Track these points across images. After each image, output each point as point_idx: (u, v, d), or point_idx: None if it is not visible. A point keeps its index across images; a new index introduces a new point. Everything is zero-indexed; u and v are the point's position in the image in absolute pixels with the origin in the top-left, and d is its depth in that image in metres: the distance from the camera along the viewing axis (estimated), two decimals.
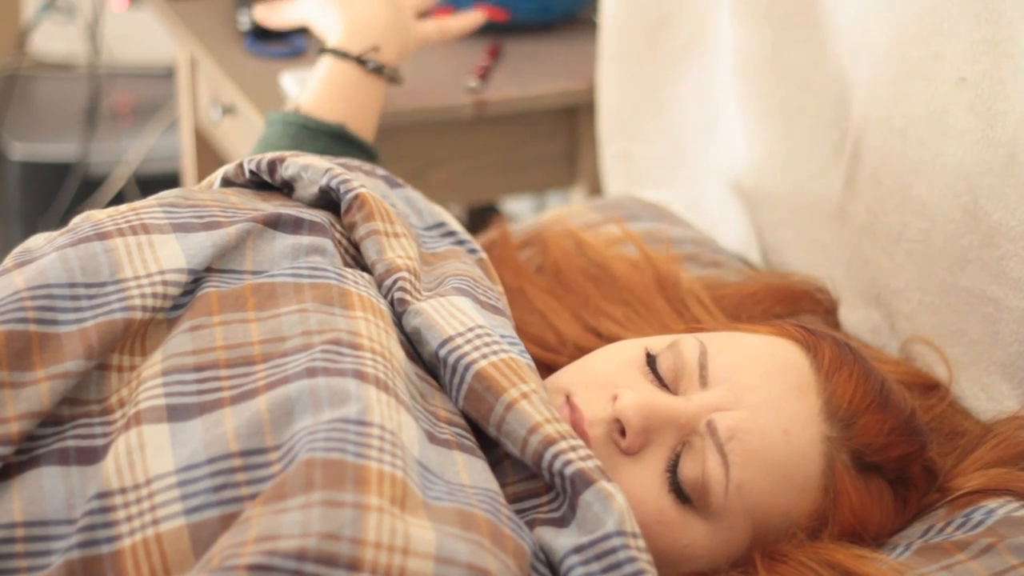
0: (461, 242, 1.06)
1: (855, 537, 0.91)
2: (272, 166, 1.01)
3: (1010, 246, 1.08)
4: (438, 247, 1.03)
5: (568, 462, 0.82)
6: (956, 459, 1.01)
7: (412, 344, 0.91)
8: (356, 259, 0.98)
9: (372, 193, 0.98)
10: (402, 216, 1.01)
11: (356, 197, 0.97)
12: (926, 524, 0.95)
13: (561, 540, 0.81)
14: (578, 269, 1.24)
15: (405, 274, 0.93)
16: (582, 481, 0.82)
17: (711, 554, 0.88)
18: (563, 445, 0.83)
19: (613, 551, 0.80)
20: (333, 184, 0.98)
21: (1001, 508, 0.94)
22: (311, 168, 0.99)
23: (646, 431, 0.88)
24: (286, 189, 1.02)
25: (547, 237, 1.28)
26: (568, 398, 0.90)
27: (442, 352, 0.88)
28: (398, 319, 0.91)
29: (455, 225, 1.07)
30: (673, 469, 0.88)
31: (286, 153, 1.02)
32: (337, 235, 0.96)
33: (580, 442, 0.84)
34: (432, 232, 1.05)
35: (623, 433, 0.88)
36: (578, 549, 0.80)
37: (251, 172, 1.02)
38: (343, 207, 0.97)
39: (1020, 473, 0.97)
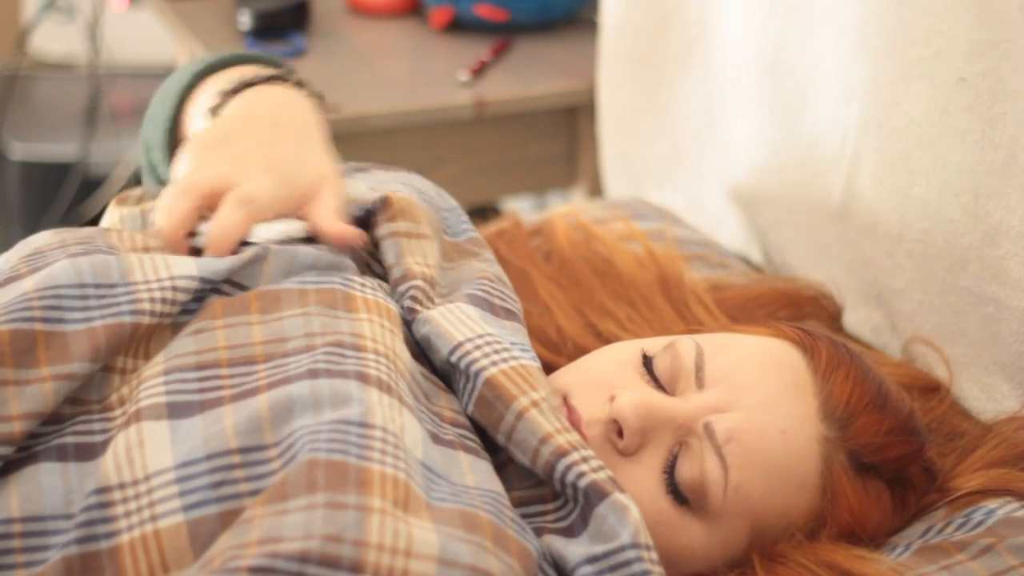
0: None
1: (853, 538, 0.91)
2: None
3: (1011, 246, 1.08)
4: (459, 236, 1.02)
5: (581, 474, 0.82)
6: (956, 459, 1.01)
7: (424, 352, 0.91)
8: (371, 267, 0.97)
9: (399, 193, 0.97)
10: (427, 200, 1.00)
11: (384, 200, 0.96)
12: (926, 524, 0.95)
13: (572, 549, 0.81)
14: (584, 261, 1.24)
15: (419, 283, 0.92)
16: (596, 494, 0.82)
17: (709, 555, 0.88)
18: (575, 456, 0.83)
19: (628, 563, 0.80)
20: (361, 212, 0.96)
21: (1001, 508, 0.94)
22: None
23: (643, 432, 0.88)
24: None
25: (556, 226, 1.28)
26: (565, 399, 0.90)
27: (454, 358, 0.87)
28: (408, 327, 0.91)
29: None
30: (670, 470, 0.88)
31: None
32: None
33: (591, 452, 0.84)
34: (451, 214, 1.04)
35: (620, 434, 0.88)
36: (592, 559, 0.80)
37: None
38: (376, 214, 0.97)
39: (1020, 474, 0.97)
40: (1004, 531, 0.92)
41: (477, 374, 0.86)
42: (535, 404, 0.85)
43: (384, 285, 0.93)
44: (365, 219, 0.98)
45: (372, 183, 1.02)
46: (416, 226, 0.96)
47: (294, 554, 0.70)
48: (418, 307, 0.91)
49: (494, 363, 0.87)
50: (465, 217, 1.05)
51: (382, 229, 0.96)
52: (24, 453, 0.80)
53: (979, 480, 0.97)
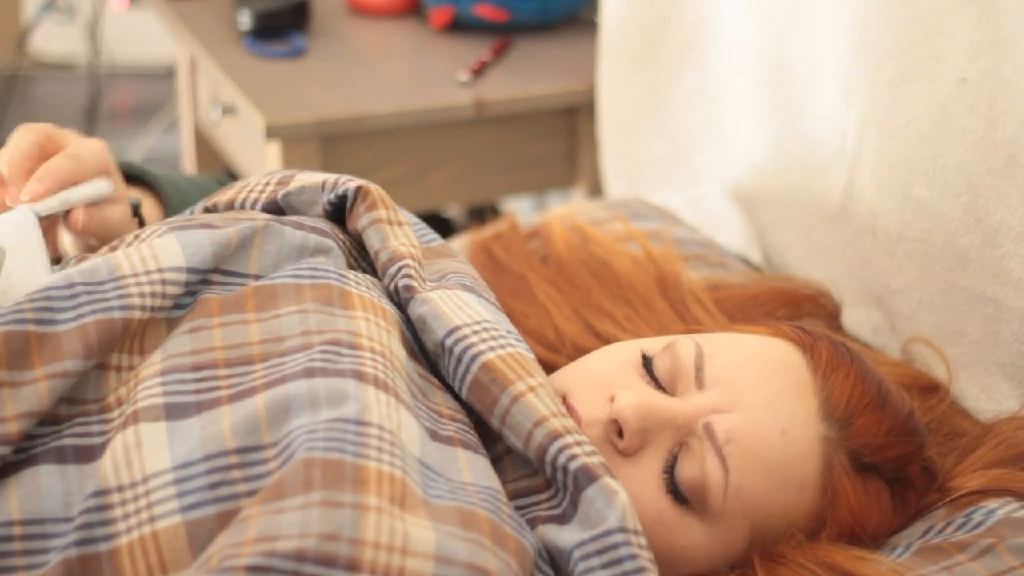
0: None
1: (853, 538, 0.91)
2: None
3: (1011, 246, 1.08)
4: (431, 243, 1.03)
5: (573, 456, 0.82)
6: (956, 459, 1.01)
7: (416, 333, 0.90)
8: (359, 261, 0.97)
9: (374, 185, 0.97)
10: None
11: (359, 189, 0.96)
12: (926, 524, 0.95)
13: (564, 536, 0.81)
14: (581, 263, 1.24)
15: (409, 261, 0.92)
16: (586, 477, 0.82)
17: (709, 555, 0.88)
18: (568, 440, 0.83)
19: (614, 547, 0.79)
20: (333, 198, 0.97)
21: (1001, 509, 0.94)
22: (307, 190, 0.98)
23: (643, 432, 0.88)
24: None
25: (553, 229, 1.28)
26: (565, 399, 0.90)
27: (448, 341, 0.87)
28: (403, 307, 0.91)
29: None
30: (670, 470, 0.88)
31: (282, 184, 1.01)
32: (340, 240, 0.96)
33: (584, 437, 0.84)
34: (416, 227, 1.05)
35: (620, 434, 0.88)
36: (579, 544, 0.80)
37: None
38: (348, 202, 0.97)
39: (1020, 474, 0.97)
40: (1004, 531, 0.92)
41: (473, 358, 0.86)
42: (532, 389, 0.85)
43: (377, 283, 0.93)
44: (340, 207, 0.98)
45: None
46: (395, 214, 0.96)
47: (290, 552, 0.70)
48: (415, 285, 0.91)
49: (491, 348, 0.87)
50: (430, 230, 1.05)
51: (363, 219, 0.95)
52: (23, 455, 0.80)
53: (979, 480, 0.97)
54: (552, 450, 0.83)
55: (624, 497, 0.81)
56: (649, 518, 0.85)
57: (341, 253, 0.94)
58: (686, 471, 0.87)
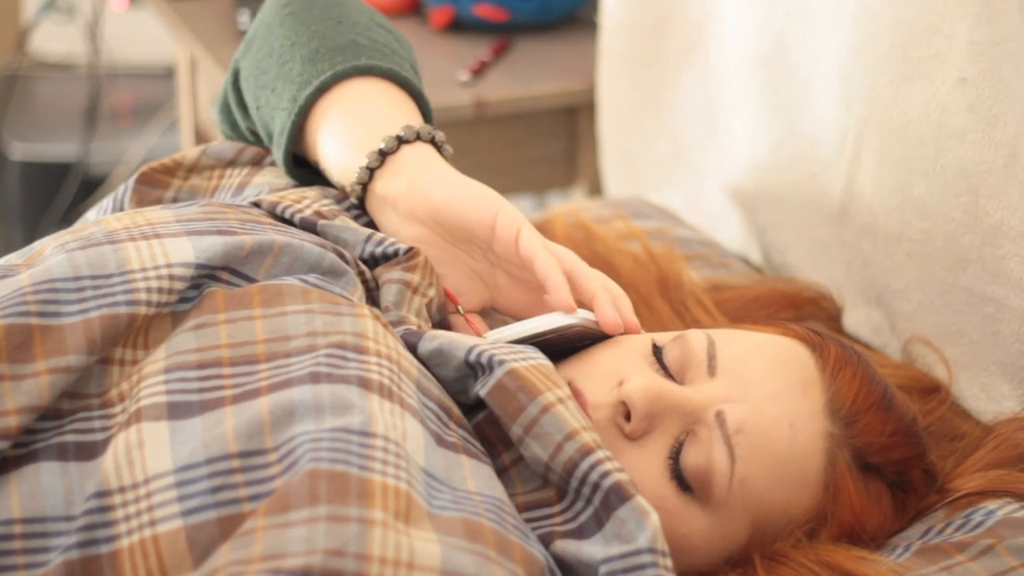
0: None
1: (853, 538, 0.91)
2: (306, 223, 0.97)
3: (1011, 246, 1.08)
4: None
5: (606, 473, 0.82)
6: (956, 460, 1.01)
7: (431, 369, 0.88)
8: (372, 293, 0.96)
9: (425, 252, 0.96)
10: None
11: (412, 250, 0.95)
12: (926, 525, 0.95)
13: (588, 550, 0.81)
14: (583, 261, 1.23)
15: (412, 328, 0.91)
16: (618, 496, 0.81)
17: (710, 545, 0.88)
18: (600, 455, 0.83)
19: (642, 567, 0.79)
20: (379, 252, 0.95)
21: (1001, 509, 0.94)
22: (349, 230, 0.96)
23: (651, 416, 0.88)
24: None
25: (556, 226, 1.28)
26: (571, 383, 0.90)
27: (472, 357, 0.86)
28: (412, 351, 0.89)
29: None
30: (675, 456, 0.88)
31: (323, 210, 0.98)
32: (357, 269, 0.94)
33: (611, 453, 0.84)
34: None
35: (627, 417, 0.88)
36: (607, 560, 0.80)
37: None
38: (395, 259, 0.95)
39: (1020, 474, 0.97)
40: (1004, 532, 0.92)
41: (500, 363, 0.85)
42: (561, 401, 0.85)
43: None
44: (378, 260, 0.96)
45: None
46: (428, 287, 0.95)
47: (297, 570, 0.70)
48: (415, 329, 0.90)
49: (515, 360, 0.86)
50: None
51: (393, 273, 0.94)
52: (24, 451, 0.80)
53: (979, 481, 0.97)
54: (584, 465, 0.82)
55: (655, 519, 0.81)
56: (651, 503, 0.85)
57: (355, 279, 0.92)
58: (691, 458, 0.87)
